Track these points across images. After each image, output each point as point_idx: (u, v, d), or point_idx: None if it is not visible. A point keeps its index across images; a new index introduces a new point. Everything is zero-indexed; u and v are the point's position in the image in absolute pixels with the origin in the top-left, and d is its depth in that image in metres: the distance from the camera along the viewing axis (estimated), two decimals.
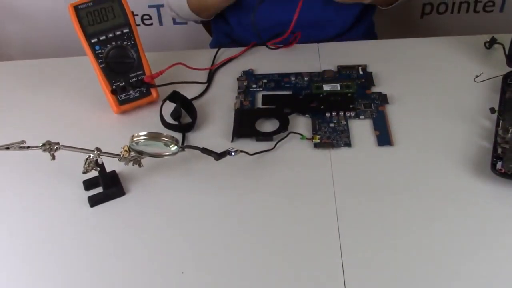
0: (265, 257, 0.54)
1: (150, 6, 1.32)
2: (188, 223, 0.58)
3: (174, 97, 0.72)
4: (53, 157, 0.56)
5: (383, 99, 0.72)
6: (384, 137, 0.66)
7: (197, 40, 1.32)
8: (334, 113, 0.70)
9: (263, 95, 0.75)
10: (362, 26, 0.96)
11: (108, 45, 0.69)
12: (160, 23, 1.35)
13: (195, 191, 0.61)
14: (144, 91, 0.73)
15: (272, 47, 0.83)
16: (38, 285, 0.53)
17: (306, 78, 0.77)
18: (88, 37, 0.68)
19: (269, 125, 0.70)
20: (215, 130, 0.70)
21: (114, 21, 0.69)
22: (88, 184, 0.62)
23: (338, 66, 0.79)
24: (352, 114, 0.69)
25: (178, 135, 0.65)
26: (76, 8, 0.67)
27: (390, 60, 0.80)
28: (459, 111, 0.69)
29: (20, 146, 0.54)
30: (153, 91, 0.74)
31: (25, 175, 0.65)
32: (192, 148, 0.64)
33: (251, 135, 0.68)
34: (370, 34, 1.00)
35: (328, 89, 0.75)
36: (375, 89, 0.74)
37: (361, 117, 0.69)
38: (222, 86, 0.78)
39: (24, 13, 1.34)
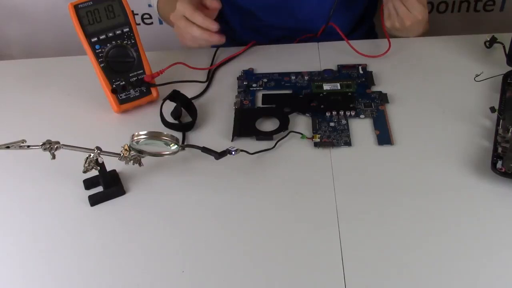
0: (265, 255, 0.54)
1: (150, 5, 1.32)
2: (188, 222, 0.58)
3: (174, 96, 0.72)
4: (54, 156, 0.56)
5: (383, 98, 0.72)
6: (384, 136, 0.66)
7: None
8: (334, 112, 0.70)
9: (263, 94, 0.75)
10: (363, 28, 0.97)
11: (108, 44, 0.69)
12: (160, 22, 1.35)
13: (195, 190, 0.61)
14: (144, 90, 0.73)
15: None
16: (38, 284, 0.53)
17: (306, 77, 0.77)
18: (88, 36, 0.68)
19: (269, 124, 0.70)
20: (215, 129, 0.70)
21: (114, 20, 0.69)
22: (89, 183, 0.62)
23: (338, 65, 0.79)
24: (352, 113, 0.69)
25: (178, 134, 0.65)
26: (76, 7, 0.67)
27: (390, 60, 0.80)
28: (459, 110, 0.69)
29: (20, 145, 0.54)
30: (153, 90, 0.74)
31: (25, 175, 0.65)
32: (192, 147, 0.64)
33: (251, 134, 0.68)
34: (371, 35, 1.00)
35: (328, 88, 0.75)
36: (375, 88, 0.74)
37: (361, 116, 0.69)
38: (222, 85, 0.78)
39: (24, 12, 1.34)
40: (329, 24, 0.82)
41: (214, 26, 0.73)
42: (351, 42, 0.81)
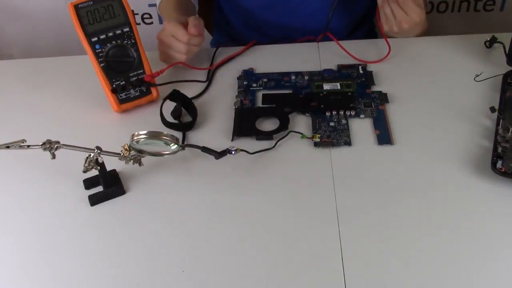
0: (265, 255, 0.54)
1: (150, 5, 1.32)
2: (188, 222, 0.58)
3: (174, 96, 0.72)
4: (54, 156, 0.56)
5: (383, 98, 0.72)
6: (384, 136, 0.66)
7: None
8: (334, 112, 0.70)
9: (263, 94, 0.75)
10: (363, 29, 0.97)
11: (108, 44, 0.69)
12: (161, 22, 1.35)
13: (195, 190, 0.61)
14: (144, 90, 0.73)
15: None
16: (38, 284, 0.53)
17: (306, 77, 0.77)
18: (88, 36, 0.68)
19: (269, 124, 0.70)
20: (215, 129, 0.70)
21: (114, 20, 0.69)
22: (89, 183, 0.62)
23: (338, 65, 0.79)
24: (352, 113, 0.69)
25: (178, 134, 0.65)
26: (76, 7, 0.67)
27: (390, 59, 0.80)
28: (459, 110, 0.69)
29: (20, 145, 0.54)
30: (153, 90, 0.74)
31: (25, 174, 0.65)
32: (192, 147, 0.64)
33: (251, 134, 0.68)
34: (371, 35, 1.01)
35: (328, 88, 0.75)
36: (375, 88, 0.74)
37: (361, 116, 0.69)
38: (222, 85, 0.78)
39: (24, 12, 1.34)
40: (326, 33, 0.82)
41: (198, 39, 0.77)
42: (351, 41, 0.81)
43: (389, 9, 0.76)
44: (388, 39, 0.81)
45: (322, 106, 0.71)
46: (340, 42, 0.81)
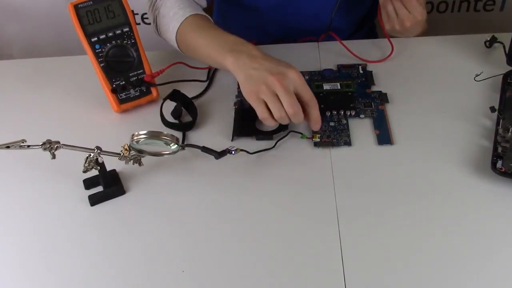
0: (265, 255, 0.54)
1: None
2: (188, 222, 0.58)
3: (175, 96, 0.72)
4: (54, 156, 0.56)
5: (383, 98, 0.72)
6: (384, 136, 0.66)
7: None
8: (334, 112, 0.70)
9: None
10: (364, 29, 0.97)
11: (108, 44, 0.69)
12: None
13: (195, 190, 0.61)
14: (144, 90, 0.73)
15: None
16: (38, 284, 0.53)
17: (306, 77, 0.77)
18: (88, 36, 0.68)
19: None
20: (215, 129, 0.70)
21: (114, 20, 0.69)
22: (89, 183, 0.62)
23: (338, 65, 0.79)
24: (352, 113, 0.69)
25: (178, 134, 0.65)
26: (76, 7, 0.67)
27: (390, 59, 0.80)
28: (459, 110, 0.69)
29: (20, 145, 0.54)
30: (153, 90, 0.74)
31: (25, 174, 0.65)
32: (192, 147, 0.64)
33: (251, 134, 0.68)
34: (371, 35, 1.01)
35: (328, 88, 0.75)
36: (375, 88, 0.74)
37: (361, 116, 0.69)
38: (223, 85, 0.78)
39: (24, 12, 1.34)
40: (329, 33, 0.82)
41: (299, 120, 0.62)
42: (352, 41, 0.81)
43: (391, 7, 0.76)
44: (387, 39, 0.81)
45: (322, 106, 0.71)
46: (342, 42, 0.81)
